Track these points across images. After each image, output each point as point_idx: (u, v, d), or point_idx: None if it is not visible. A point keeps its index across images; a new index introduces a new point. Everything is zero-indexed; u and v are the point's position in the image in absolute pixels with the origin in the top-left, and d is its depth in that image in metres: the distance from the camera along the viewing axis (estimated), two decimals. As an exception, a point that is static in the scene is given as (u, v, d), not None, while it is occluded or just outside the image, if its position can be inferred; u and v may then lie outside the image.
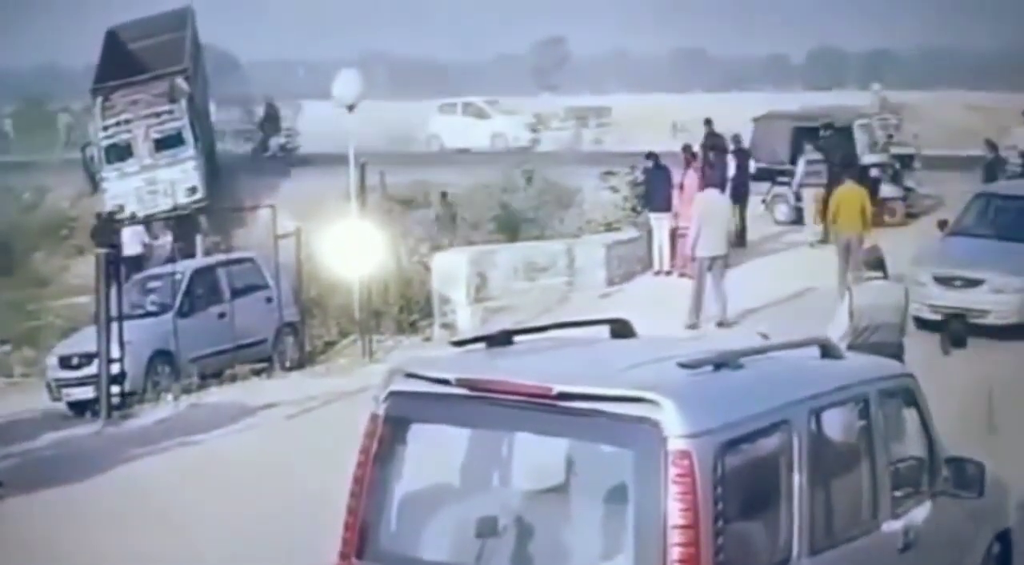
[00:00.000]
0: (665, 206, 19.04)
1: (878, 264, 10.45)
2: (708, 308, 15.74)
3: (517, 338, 5.82)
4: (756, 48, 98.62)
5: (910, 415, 6.27)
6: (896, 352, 9.99)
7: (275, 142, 32.80)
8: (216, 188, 27.96)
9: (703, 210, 15.80)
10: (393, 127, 34.55)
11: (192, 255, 22.42)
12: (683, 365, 5.14)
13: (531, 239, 22.02)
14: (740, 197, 20.40)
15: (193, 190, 26.70)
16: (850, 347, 9.85)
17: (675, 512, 4.68)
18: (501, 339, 5.78)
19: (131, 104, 26.63)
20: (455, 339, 6.32)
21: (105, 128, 26.68)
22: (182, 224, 25.02)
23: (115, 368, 15.39)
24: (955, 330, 8.90)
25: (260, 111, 34.62)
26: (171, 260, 20.80)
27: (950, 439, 6.56)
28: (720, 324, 15.49)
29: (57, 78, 70.26)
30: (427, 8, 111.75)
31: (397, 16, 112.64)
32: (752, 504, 5.11)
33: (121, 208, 25.14)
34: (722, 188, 18.05)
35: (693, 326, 15.45)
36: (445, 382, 5.17)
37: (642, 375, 5.19)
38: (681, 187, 18.71)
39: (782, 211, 21.97)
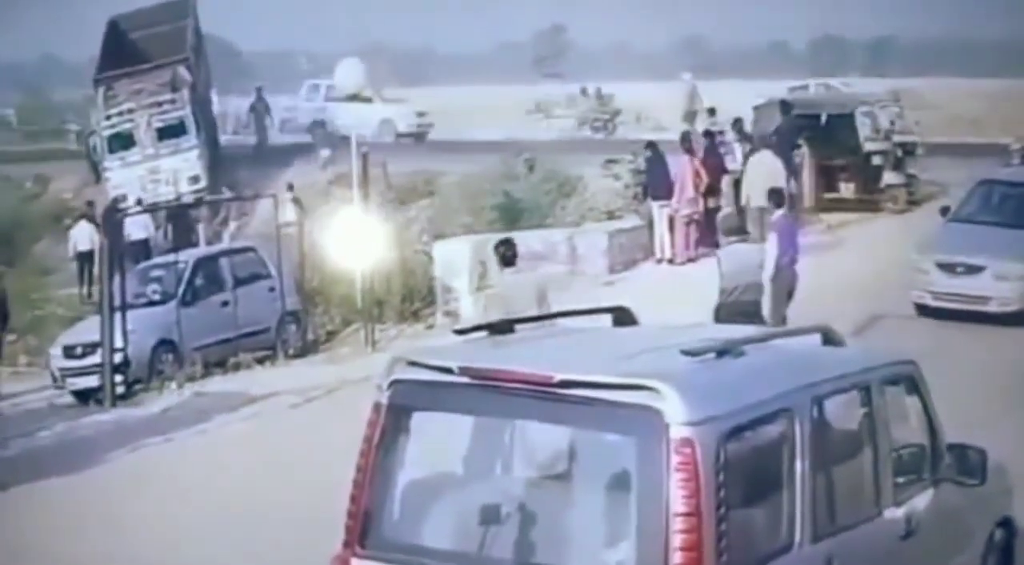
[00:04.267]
0: (666, 194, 19.05)
1: (734, 229, 11.56)
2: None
3: (519, 326, 5.83)
4: (757, 35, 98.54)
5: (912, 402, 6.28)
6: (756, 309, 11.15)
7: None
8: (218, 177, 27.96)
9: (752, 169, 17.92)
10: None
11: (189, 245, 22.46)
12: (685, 353, 5.15)
13: (533, 227, 22.02)
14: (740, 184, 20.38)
15: (195, 179, 26.71)
16: (719, 308, 11.05)
17: (678, 499, 4.69)
18: (503, 327, 5.79)
19: (134, 93, 26.63)
20: (457, 328, 6.33)
21: (108, 117, 26.69)
22: (180, 213, 25.02)
23: (119, 357, 15.44)
24: (504, 253, 10.51)
25: None
26: (172, 250, 20.83)
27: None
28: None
29: (59, 69, 70.29)
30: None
31: (398, 5, 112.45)
32: (755, 491, 5.12)
33: (124, 197, 25.16)
34: (721, 174, 18.46)
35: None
36: (447, 371, 5.18)
37: (644, 363, 5.20)
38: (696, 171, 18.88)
39: None
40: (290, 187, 24.91)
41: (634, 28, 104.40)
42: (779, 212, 13.70)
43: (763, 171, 17.74)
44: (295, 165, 28.97)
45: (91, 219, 23.85)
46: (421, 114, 34.89)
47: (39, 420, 14.33)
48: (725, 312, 11.29)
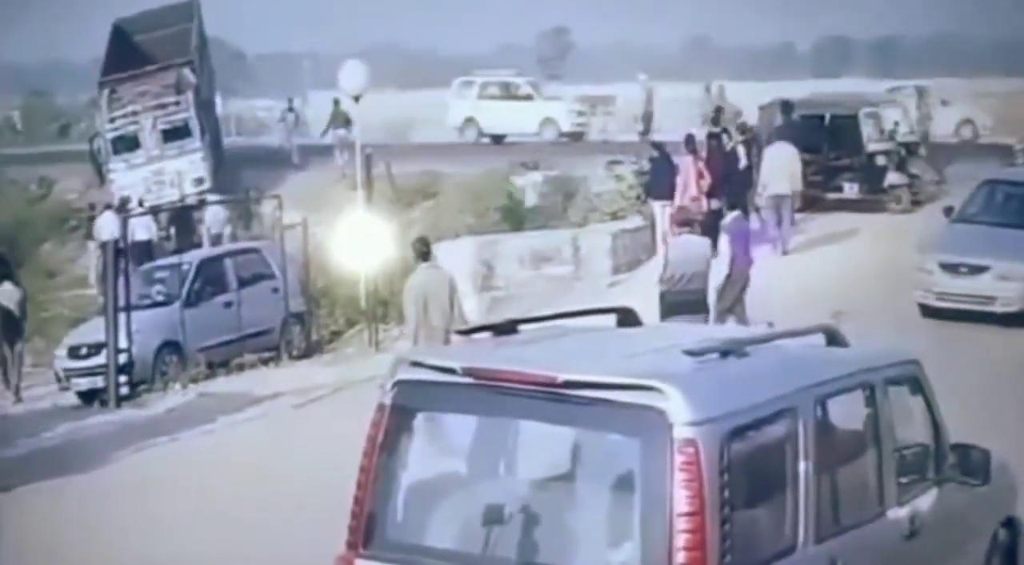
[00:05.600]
0: (668, 194, 19.07)
1: (686, 221, 12.17)
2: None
3: (522, 327, 5.84)
4: (762, 37, 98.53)
5: (916, 402, 6.27)
6: (702, 297, 11.68)
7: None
8: (222, 179, 28.01)
9: (769, 158, 18.90)
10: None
11: (193, 246, 22.48)
12: (689, 353, 5.15)
13: (537, 228, 22.03)
14: (744, 185, 20.44)
15: (200, 181, 26.75)
16: (665, 294, 11.62)
17: (681, 500, 4.70)
18: (507, 328, 5.80)
19: (138, 96, 26.66)
20: (461, 328, 6.33)
21: (112, 120, 26.73)
22: (184, 215, 25.05)
23: (123, 358, 15.46)
24: (420, 249, 11.90)
25: None
26: (176, 251, 20.86)
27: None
28: (783, 252, 18.36)
29: (64, 71, 70.37)
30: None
31: (402, 7, 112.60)
32: (758, 491, 5.12)
33: (128, 199, 25.20)
34: (726, 179, 18.70)
35: (783, 252, 18.48)
36: (451, 371, 5.18)
37: (648, 363, 5.20)
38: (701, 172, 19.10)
39: None
40: (246, 192, 24.76)
41: (637, 30, 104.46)
42: (732, 214, 13.84)
43: (780, 161, 18.68)
44: (311, 168, 29.03)
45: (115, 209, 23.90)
46: (581, 113, 34.07)
47: (44, 421, 14.35)
48: (671, 300, 11.53)
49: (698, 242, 12.23)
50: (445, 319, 11.20)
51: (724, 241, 13.47)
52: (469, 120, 32.88)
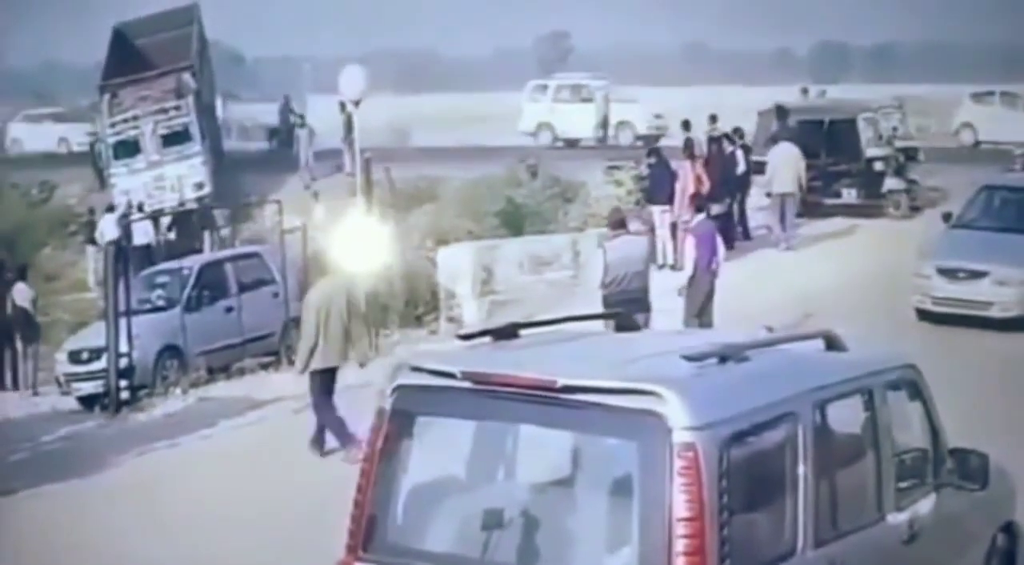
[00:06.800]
0: (667, 199, 19.11)
1: (620, 223, 12.33)
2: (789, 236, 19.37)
3: (523, 332, 5.86)
4: (760, 42, 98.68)
5: (914, 407, 6.29)
6: (643, 296, 11.87)
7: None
8: (222, 183, 28.05)
9: (775, 158, 19.47)
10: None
11: (194, 250, 22.50)
12: (688, 358, 5.16)
13: (536, 233, 22.05)
14: (742, 189, 20.48)
15: (200, 185, 26.81)
16: (607, 297, 11.82)
17: (680, 504, 4.71)
18: (507, 332, 5.81)
19: (139, 100, 26.74)
20: (461, 333, 6.36)
21: (113, 125, 26.80)
22: (184, 219, 25.10)
23: (124, 362, 15.47)
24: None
25: None
26: (173, 256, 20.88)
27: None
28: (787, 248, 19.21)
29: (65, 75, 70.42)
30: (430, 3, 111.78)
31: (401, 10, 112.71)
32: (757, 496, 5.13)
33: (129, 204, 25.25)
34: (725, 185, 19.15)
35: (787, 248, 19.34)
36: (450, 376, 5.19)
37: (647, 368, 5.22)
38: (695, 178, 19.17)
39: None
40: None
41: (637, 34, 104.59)
42: (699, 217, 13.86)
43: (785, 160, 19.20)
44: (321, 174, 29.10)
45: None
46: (658, 116, 33.69)
47: (44, 425, 14.36)
48: (612, 301, 11.67)
49: (635, 242, 12.39)
50: (344, 332, 11.26)
51: (689, 244, 13.46)
52: (543, 125, 32.72)
